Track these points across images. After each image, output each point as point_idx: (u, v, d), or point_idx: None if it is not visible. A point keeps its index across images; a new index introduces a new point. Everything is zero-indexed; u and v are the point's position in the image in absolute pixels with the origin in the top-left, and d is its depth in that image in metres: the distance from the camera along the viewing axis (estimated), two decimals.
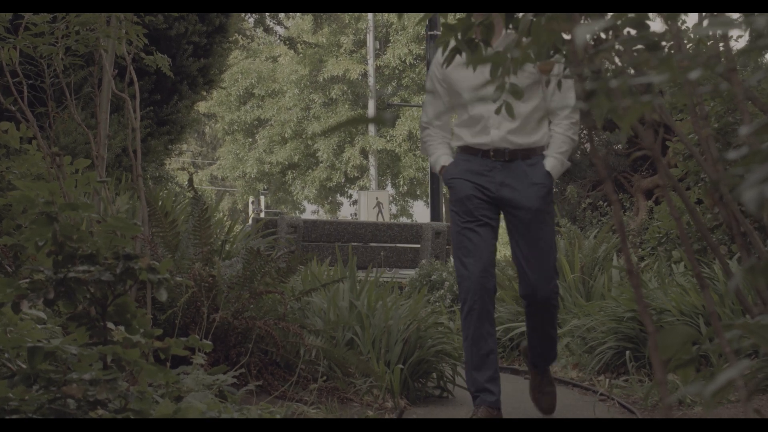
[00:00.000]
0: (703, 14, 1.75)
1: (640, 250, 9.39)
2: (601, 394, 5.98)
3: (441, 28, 2.27)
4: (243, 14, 18.04)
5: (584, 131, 12.98)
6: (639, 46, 1.52)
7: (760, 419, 1.30)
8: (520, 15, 2.04)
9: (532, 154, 4.77)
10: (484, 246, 4.74)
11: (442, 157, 4.88)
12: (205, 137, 48.64)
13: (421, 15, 2.29)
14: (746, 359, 5.49)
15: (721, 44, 1.88)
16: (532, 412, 5.49)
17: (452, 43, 2.47)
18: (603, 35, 1.72)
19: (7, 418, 2.50)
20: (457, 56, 4.56)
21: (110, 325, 2.82)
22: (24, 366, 2.71)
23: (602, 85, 1.08)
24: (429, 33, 19.50)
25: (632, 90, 1.13)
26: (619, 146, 13.56)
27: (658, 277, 7.46)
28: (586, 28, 1.02)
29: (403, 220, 37.14)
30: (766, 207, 0.85)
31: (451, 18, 2.20)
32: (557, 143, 4.75)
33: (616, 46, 1.39)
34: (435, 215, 18.11)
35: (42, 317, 3.03)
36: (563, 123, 4.76)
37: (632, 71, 1.17)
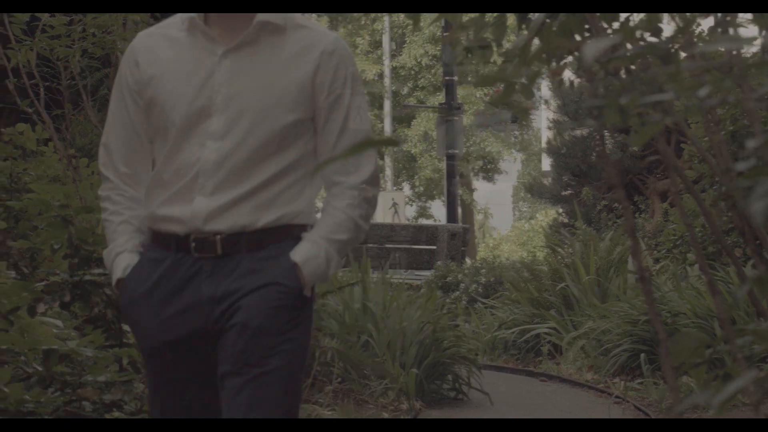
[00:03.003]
0: (716, 21, 1.75)
1: (655, 252, 9.38)
2: (617, 397, 5.98)
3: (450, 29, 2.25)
4: None
5: (597, 135, 12.97)
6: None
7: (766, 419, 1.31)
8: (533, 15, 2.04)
9: (274, 238, 2.48)
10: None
11: (122, 256, 2.50)
12: None
13: (435, 15, 2.25)
14: (762, 363, 5.47)
15: (734, 51, 1.89)
16: (548, 412, 5.50)
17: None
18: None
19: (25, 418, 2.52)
20: (162, 44, 2.58)
21: (126, 327, 2.84)
22: (40, 368, 2.73)
23: (612, 102, 1.08)
24: (444, 34, 19.53)
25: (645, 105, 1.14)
26: (635, 149, 13.55)
27: (673, 280, 7.45)
28: (595, 45, 1.03)
29: (423, 221, 37.13)
30: None
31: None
32: (329, 224, 2.50)
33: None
34: (451, 217, 18.13)
35: (58, 325, 3.04)
36: (347, 195, 2.54)
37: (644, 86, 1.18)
